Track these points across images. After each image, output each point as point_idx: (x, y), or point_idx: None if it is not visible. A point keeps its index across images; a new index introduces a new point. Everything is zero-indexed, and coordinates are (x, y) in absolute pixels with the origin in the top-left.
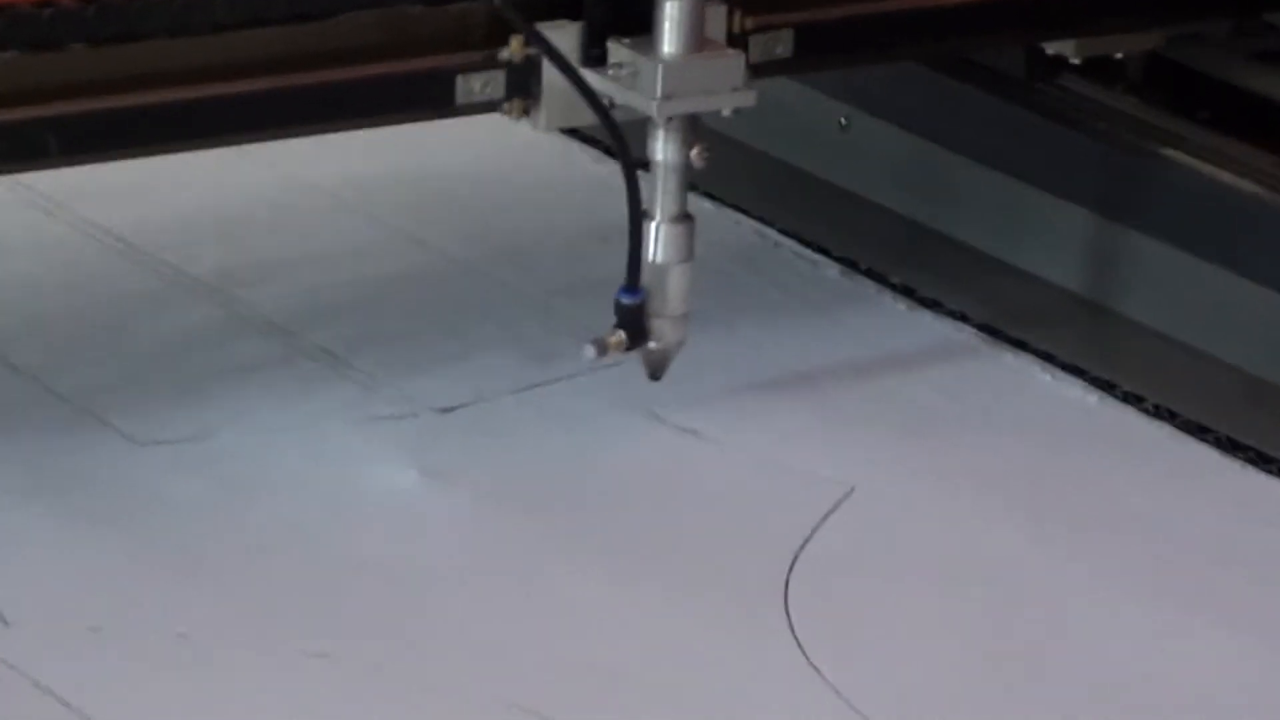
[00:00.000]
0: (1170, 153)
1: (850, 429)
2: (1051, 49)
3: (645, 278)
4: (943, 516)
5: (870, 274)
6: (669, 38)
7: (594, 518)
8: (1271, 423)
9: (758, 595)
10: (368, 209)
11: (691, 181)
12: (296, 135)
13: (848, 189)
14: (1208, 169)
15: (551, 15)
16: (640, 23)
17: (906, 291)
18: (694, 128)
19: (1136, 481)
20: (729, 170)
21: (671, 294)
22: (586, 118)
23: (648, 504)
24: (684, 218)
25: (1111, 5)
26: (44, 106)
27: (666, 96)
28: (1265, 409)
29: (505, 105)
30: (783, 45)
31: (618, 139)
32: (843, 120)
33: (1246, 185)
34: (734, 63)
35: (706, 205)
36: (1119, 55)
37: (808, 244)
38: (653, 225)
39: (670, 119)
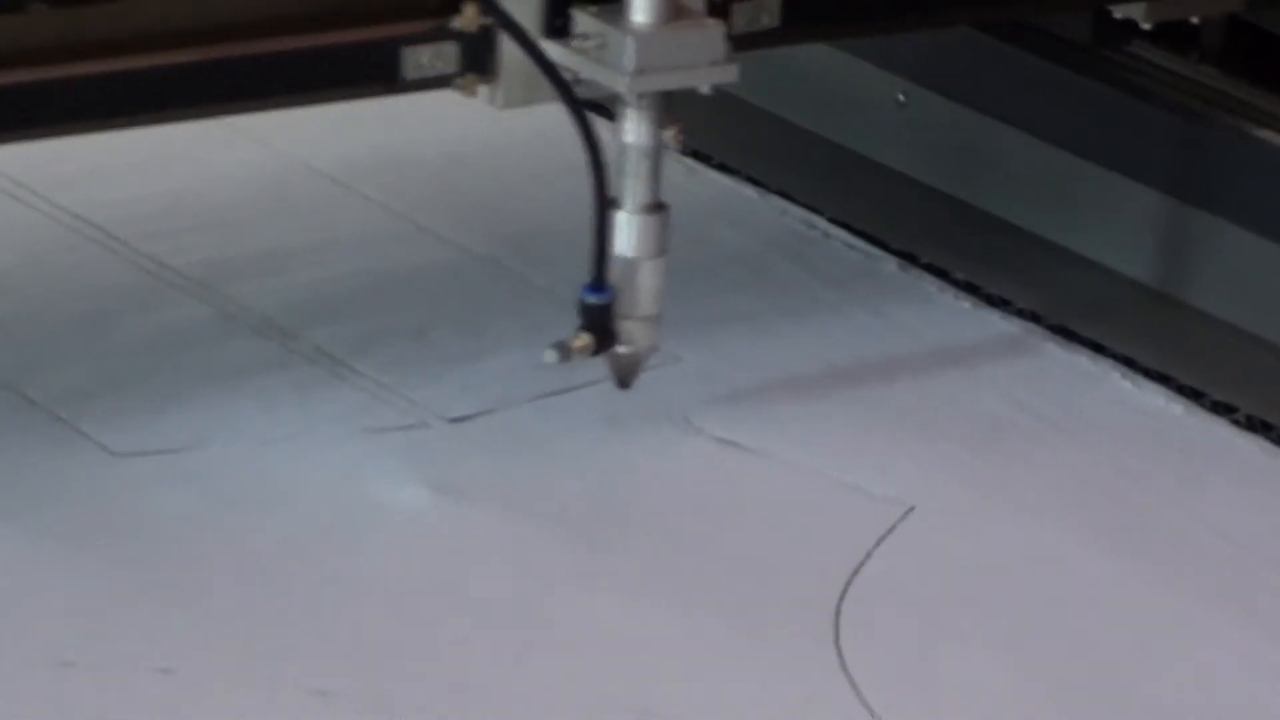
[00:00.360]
0: (1251, 128)
1: (908, 441)
2: (1120, 13)
3: (613, 274)
4: (1012, 540)
5: (930, 268)
6: (641, 6)
7: (624, 540)
8: None
9: (806, 627)
10: (371, 194)
11: (732, 166)
12: (222, 114)
13: (905, 172)
14: None
15: None
16: None
17: (970, 287)
18: (668, 106)
19: (1229, 502)
20: (773, 152)
21: (642, 293)
22: (555, 94)
23: (683, 525)
24: (657, 207)
25: None
26: None
27: (638, 71)
28: None
29: (458, 81)
30: (769, 14)
31: (581, 119)
32: (900, 97)
33: None
34: (714, 34)
35: (749, 191)
36: (1195, 20)
37: (861, 234)
38: (622, 215)
39: (642, 96)
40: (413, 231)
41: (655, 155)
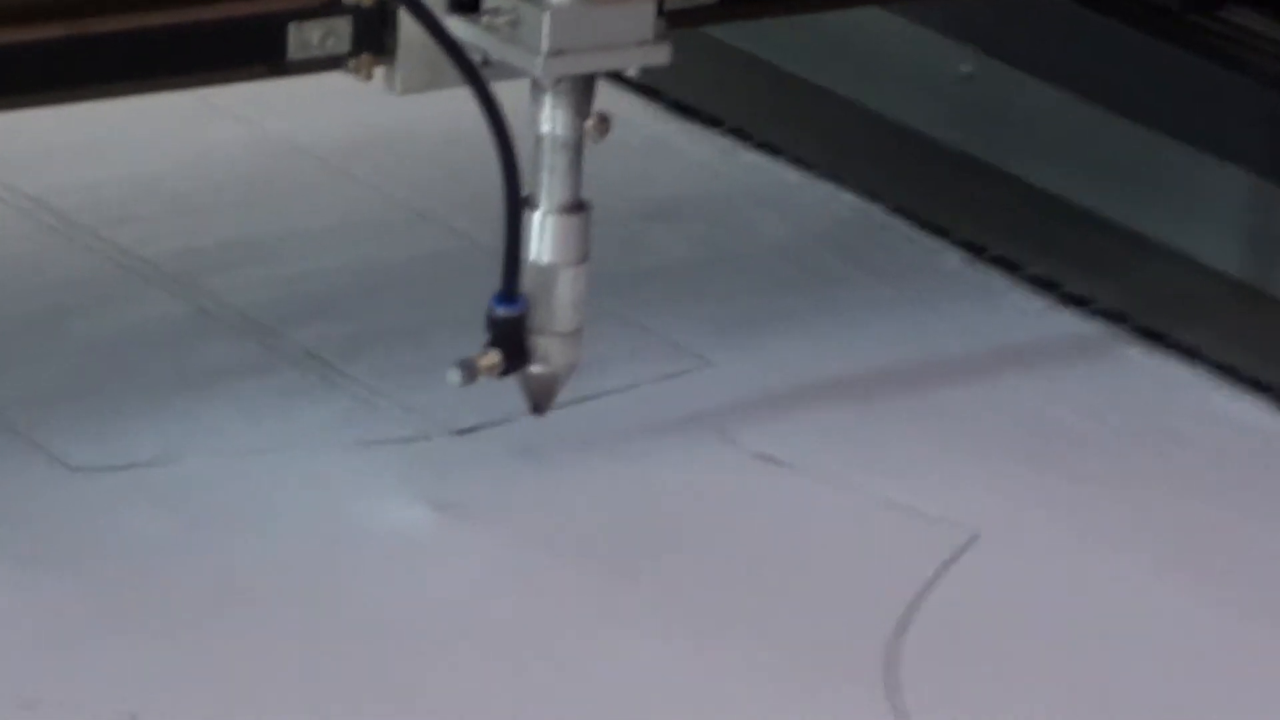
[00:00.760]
0: None
1: (972, 458)
2: None
3: (527, 283)
4: (1090, 572)
5: (998, 261)
6: None
7: (648, 568)
8: None
9: (855, 672)
10: (364, 177)
11: (775, 146)
12: (90, 97)
13: (970, 153)
14: None
15: None
16: None
17: (1043, 283)
18: (589, 92)
19: None
20: (821, 131)
21: (559, 304)
22: (460, 78)
23: (714, 551)
24: (577, 207)
25: None
26: None
27: (555, 52)
28: None
29: (351, 62)
30: None
31: (488, 107)
32: (965, 68)
33: None
34: (642, 10)
35: (793, 175)
36: None
37: (922, 224)
38: (536, 216)
39: (559, 81)
40: (411, 219)
41: (575, 148)
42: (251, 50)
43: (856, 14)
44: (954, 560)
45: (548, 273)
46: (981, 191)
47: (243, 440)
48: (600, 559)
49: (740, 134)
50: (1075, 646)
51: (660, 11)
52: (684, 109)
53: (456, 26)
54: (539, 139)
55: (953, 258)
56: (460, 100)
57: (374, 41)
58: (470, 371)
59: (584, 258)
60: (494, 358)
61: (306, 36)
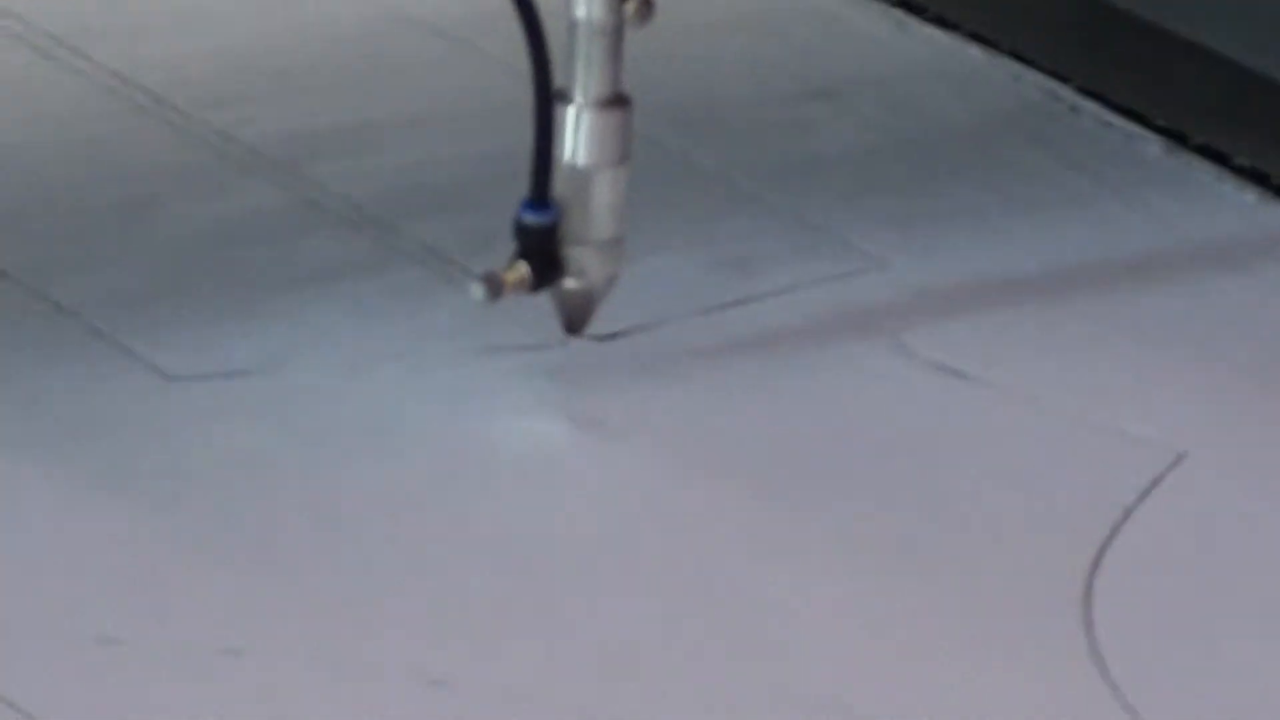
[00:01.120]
0: None
1: (1175, 369)
2: None
3: (560, 187)
4: None
5: (1204, 150)
6: None
7: (814, 492)
8: None
9: (1047, 605)
10: (490, 51)
11: (953, 19)
12: None
13: (1173, 30)
14: None
15: None
16: None
17: (1255, 175)
18: None
19: None
20: (1006, 2)
21: (598, 211)
22: None
23: (888, 474)
24: (616, 101)
25: None
26: None
27: None
28: None
29: None
30: None
31: None
32: None
33: None
34: None
35: (974, 52)
36: None
37: (1117, 107)
38: (570, 112)
39: None
40: None
41: (614, 34)
42: None
43: None
44: (1157, 484)
45: (583, 176)
46: (1185, 71)
47: (355, 347)
48: (759, 482)
49: (913, 7)
50: None
51: None
52: None
53: None
54: (573, 24)
55: (1152, 145)
56: None
57: None
58: (495, 286)
59: (624, 158)
60: (522, 271)
61: None
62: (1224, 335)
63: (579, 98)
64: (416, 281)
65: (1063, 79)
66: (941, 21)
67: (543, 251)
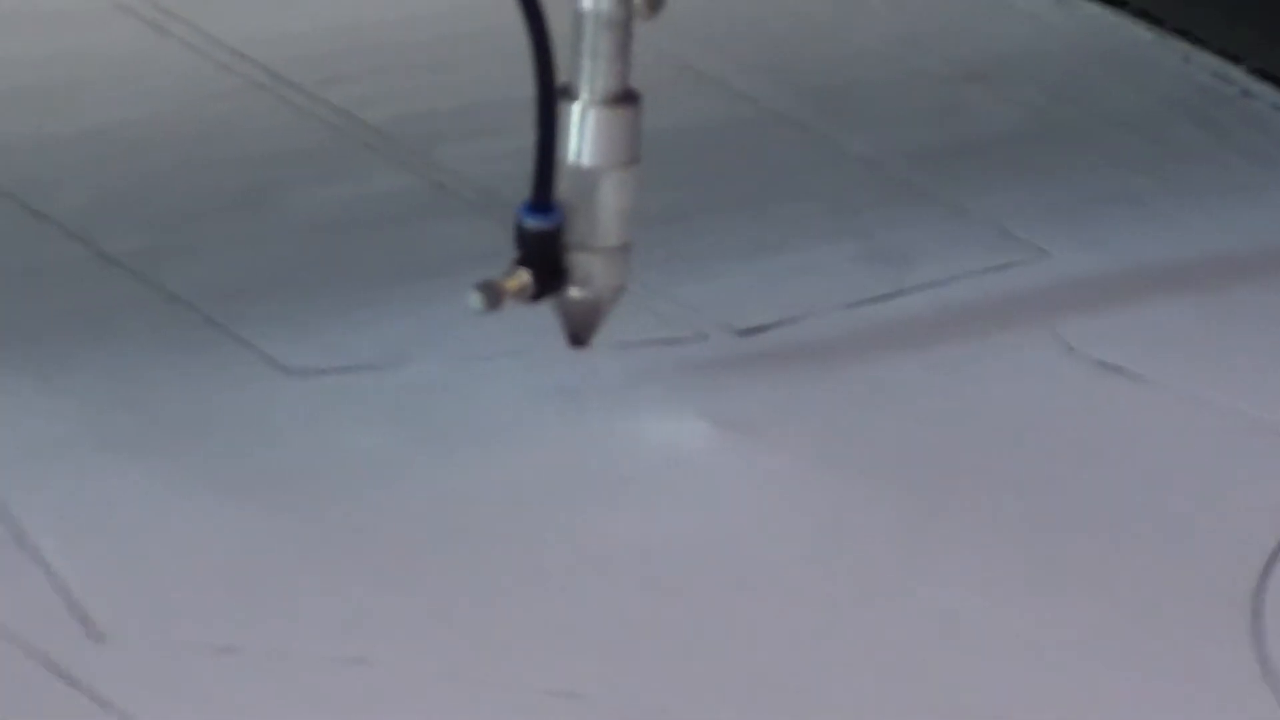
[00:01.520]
0: None
1: None
2: None
3: (564, 190)
4: None
5: None
6: None
7: (971, 495)
8: None
9: (1213, 616)
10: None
11: None
12: None
13: None
14: None
15: None
16: None
17: None
18: None
19: None
20: None
21: (603, 215)
22: None
23: (1048, 477)
24: (624, 98)
25: None
26: None
27: None
28: None
29: None
30: None
31: None
32: None
33: None
34: None
35: (1141, 31)
36: None
37: None
38: (575, 109)
39: None
40: (686, 80)
41: (623, 26)
42: None
43: None
44: None
45: (589, 177)
46: None
47: (482, 340)
48: (910, 485)
49: None
50: None
51: None
52: None
53: None
54: (578, 16)
55: None
56: None
57: None
58: (494, 295)
59: (633, 159)
60: (524, 278)
61: None
62: None
63: (585, 94)
64: None
65: (1234, 60)
66: None
67: (545, 258)
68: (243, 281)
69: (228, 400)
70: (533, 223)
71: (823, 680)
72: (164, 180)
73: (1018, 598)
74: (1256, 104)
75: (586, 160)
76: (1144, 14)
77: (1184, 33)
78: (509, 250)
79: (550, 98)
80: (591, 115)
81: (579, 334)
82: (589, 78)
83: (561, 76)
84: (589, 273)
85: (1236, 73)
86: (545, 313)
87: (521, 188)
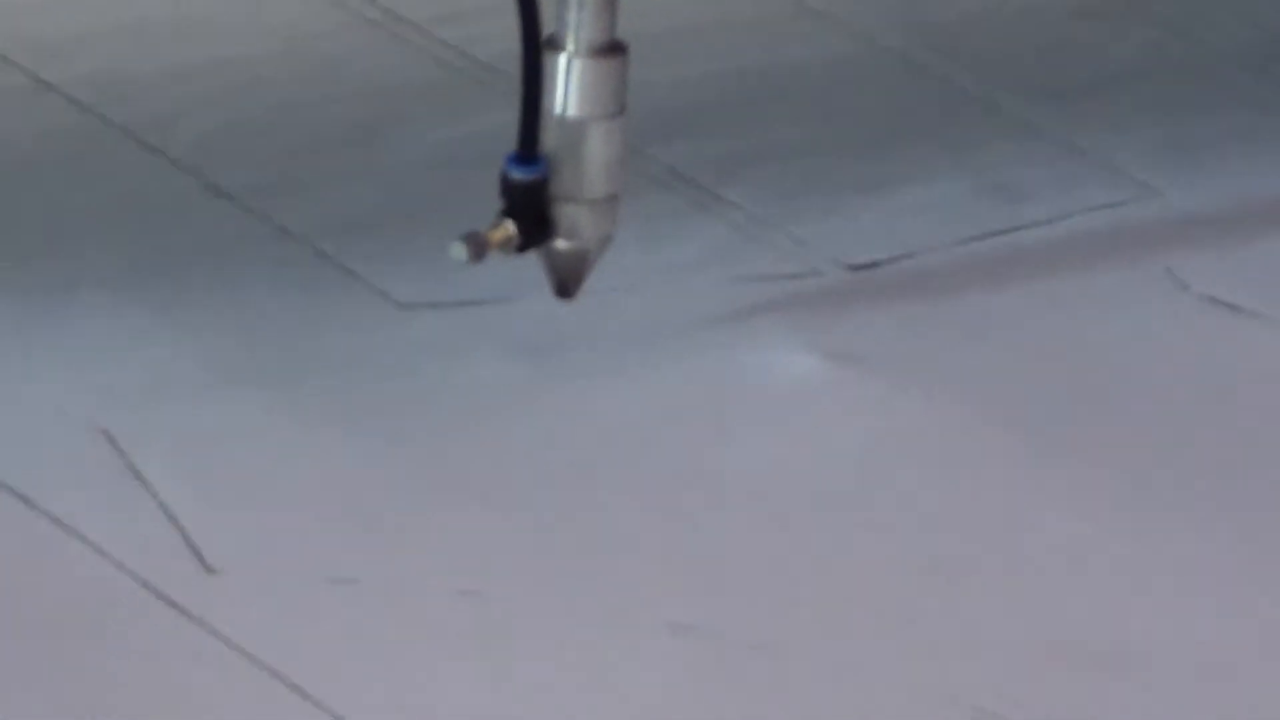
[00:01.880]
0: None
1: None
2: None
3: (550, 141)
4: None
5: None
6: None
7: (1085, 427)
8: None
9: None
10: None
11: None
12: None
13: None
14: None
15: None
16: None
17: None
18: None
19: None
20: None
21: (590, 167)
22: None
23: (1162, 413)
24: (611, 49)
25: None
26: None
27: None
28: None
29: None
30: None
31: None
32: None
33: None
34: None
35: None
36: None
37: None
38: (561, 60)
39: None
40: (803, 18)
41: None
42: None
43: None
44: None
45: (575, 128)
46: None
47: (600, 274)
48: (1024, 419)
49: None
50: None
51: None
52: None
53: None
54: None
55: None
56: None
57: None
58: (479, 246)
59: (620, 110)
60: (509, 230)
61: None
62: None
63: (570, 45)
64: (662, 208)
65: None
66: None
67: (531, 209)
68: (355, 217)
69: (340, 334)
70: (518, 174)
71: (940, 613)
72: (277, 115)
73: (1134, 532)
74: None
75: (572, 111)
76: None
77: None
78: (628, 190)
79: (535, 48)
80: (577, 66)
81: (565, 285)
82: (575, 28)
83: (548, 28)
84: (575, 224)
85: None
86: (667, 245)
87: (637, 124)
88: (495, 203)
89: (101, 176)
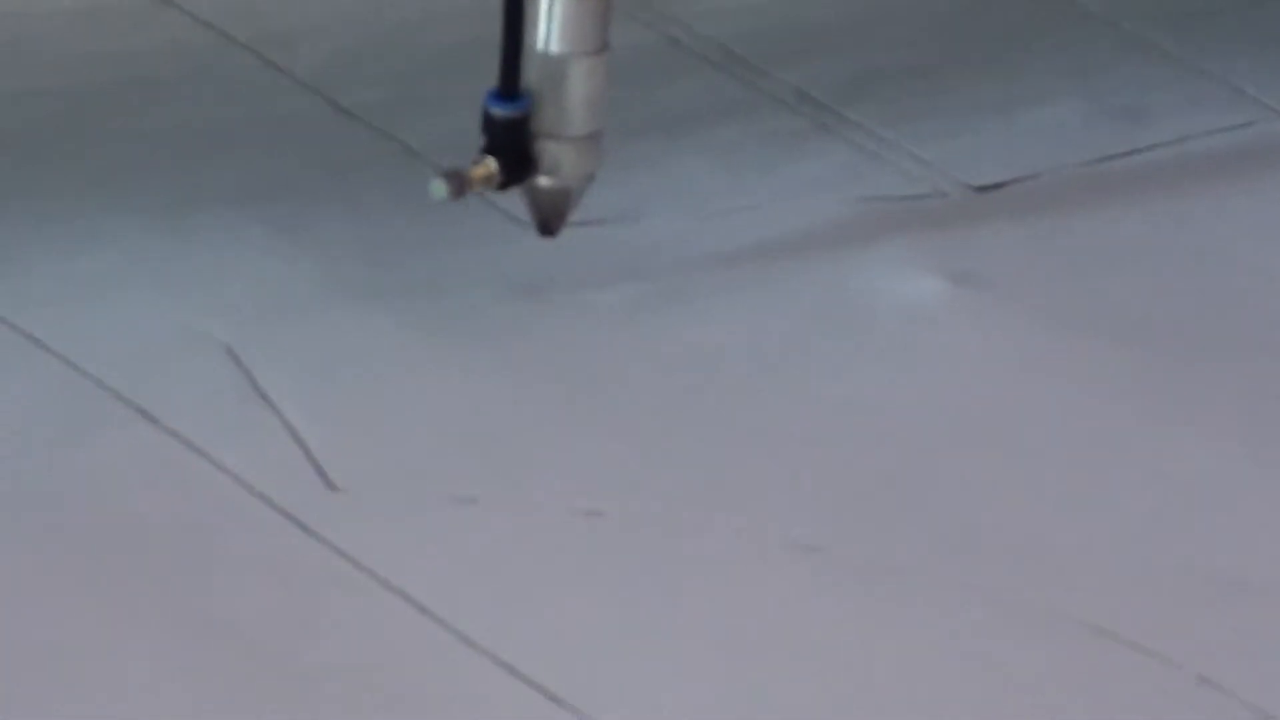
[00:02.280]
0: None
1: None
2: None
3: (532, 77)
4: None
5: None
6: None
7: (1211, 352)
8: None
9: None
10: None
11: None
12: None
13: None
14: None
15: None
16: None
17: None
18: None
19: None
20: None
21: (573, 104)
22: None
23: None
24: None
25: None
26: None
27: None
28: None
29: None
30: None
31: None
32: None
33: None
34: None
35: None
36: None
37: None
38: None
39: None
40: None
41: None
42: None
43: None
44: None
45: (557, 64)
46: None
47: (721, 195)
48: (1150, 343)
49: None
50: None
51: None
52: None
53: None
54: None
55: None
56: None
57: None
58: (459, 183)
59: (602, 46)
60: (490, 167)
61: None
62: None
63: None
64: (785, 128)
65: None
66: None
67: (513, 146)
68: (478, 135)
69: (465, 254)
70: (499, 110)
71: (1067, 536)
72: (400, 35)
73: (1267, 460)
74: None
75: (555, 47)
76: None
77: None
78: (745, 107)
79: None
80: (560, 1)
81: (548, 223)
82: None
83: None
84: (557, 161)
85: None
86: (790, 166)
87: (760, 44)
88: (620, 122)
89: (225, 94)
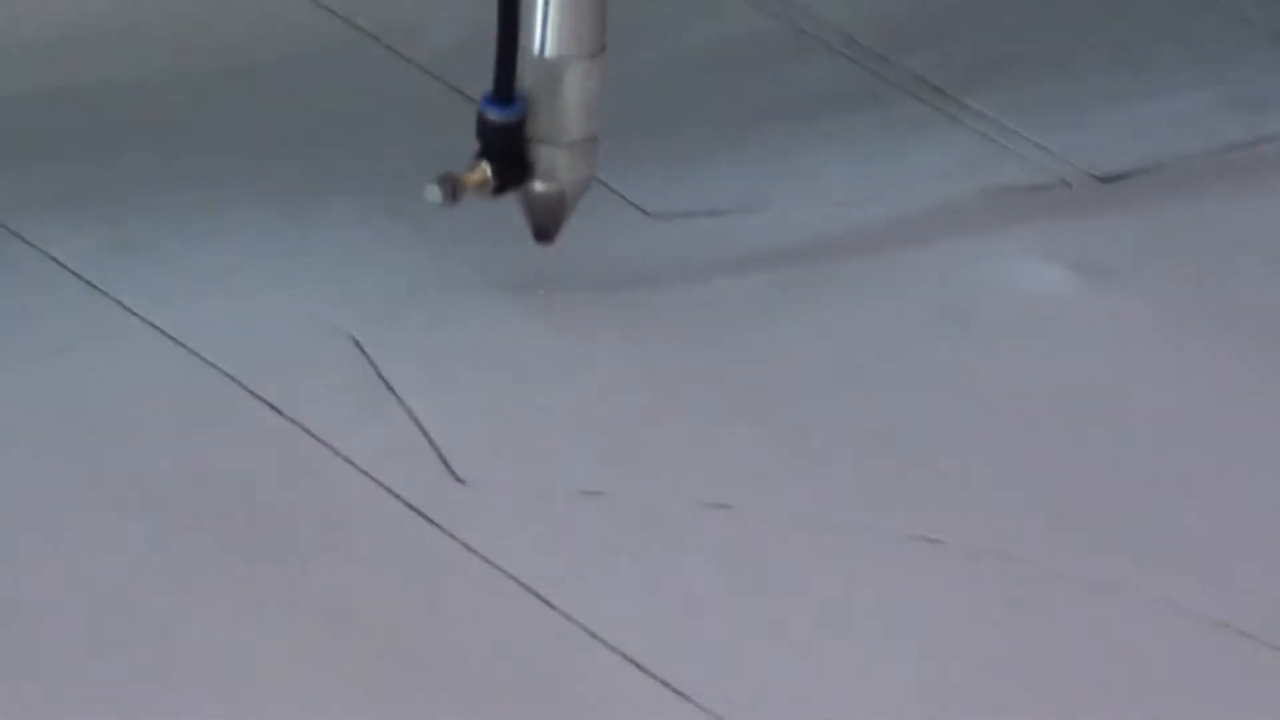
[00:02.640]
0: None
1: None
2: None
3: (527, 81)
4: None
5: None
6: None
7: None
8: None
9: None
10: None
11: None
12: None
13: None
14: None
15: None
16: None
17: None
18: None
19: None
20: None
21: (568, 108)
22: None
23: None
24: None
25: None
26: None
27: None
28: None
29: None
30: None
31: None
32: None
33: None
34: None
35: None
36: None
37: None
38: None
39: None
40: None
41: None
42: None
43: None
44: None
45: (553, 68)
46: None
47: (844, 185)
48: (1275, 336)
49: None
50: None
51: None
52: None
53: None
54: None
55: None
56: None
57: None
58: (453, 188)
59: (599, 49)
60: (484, 172)
61: None
62: None
63: None
64: (908, 116)
65: None
66: None
67: (507, 151)
68: (604, 124)
69: (589, 244)
70: (494, 115)
71: (1185, 529)
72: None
73: None
74: None
75: (550, 51)
76: None
77: None
78: (869, 95)
79: None
80: (555, 4)
81: (544, 229)
82: None
83: None
84: (553, 166)
85: None
86: (913, 154)
87: (883, 31)
88: (744, 110)
89: (350, 83)
